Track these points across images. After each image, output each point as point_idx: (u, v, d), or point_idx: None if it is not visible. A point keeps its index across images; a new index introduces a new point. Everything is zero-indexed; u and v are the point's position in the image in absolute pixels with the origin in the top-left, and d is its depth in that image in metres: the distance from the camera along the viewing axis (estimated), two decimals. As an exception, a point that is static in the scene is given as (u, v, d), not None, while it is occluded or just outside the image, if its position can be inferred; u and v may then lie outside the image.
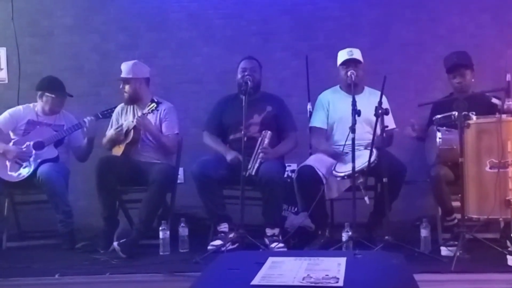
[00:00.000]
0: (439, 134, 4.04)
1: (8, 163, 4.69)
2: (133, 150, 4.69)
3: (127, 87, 4.76)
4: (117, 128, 4.69)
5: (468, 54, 4.46)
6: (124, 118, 4.84)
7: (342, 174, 4.07)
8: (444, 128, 4.04)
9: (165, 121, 4.77)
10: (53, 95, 4.88)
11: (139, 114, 4.62)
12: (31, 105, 4.98)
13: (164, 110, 4.77)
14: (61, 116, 4.98)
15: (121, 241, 4.20)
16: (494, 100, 4.00)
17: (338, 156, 4.28)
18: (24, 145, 4.74)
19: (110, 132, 4.78)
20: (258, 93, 4.64)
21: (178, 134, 4.84)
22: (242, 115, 4.22)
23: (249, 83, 4.35)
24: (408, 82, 5.43)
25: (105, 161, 4.51)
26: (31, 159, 4.69)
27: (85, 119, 4.79)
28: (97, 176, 4.44)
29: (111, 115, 4.91)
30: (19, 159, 4.69)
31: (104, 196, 4.49)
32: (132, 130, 4.61)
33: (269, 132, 4.39)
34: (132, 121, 4.61)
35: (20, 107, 5.00)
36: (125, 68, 4.78)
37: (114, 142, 4.75)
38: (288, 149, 4.62)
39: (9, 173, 4.68)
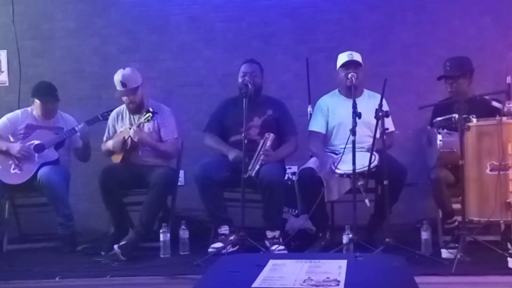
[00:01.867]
0: (439, 137, 4.04)
1: (9, 165, 4.69)
2: (132, 156, 4.68)
3: (133, 97, 4.67)
4: (115, 141, 4.67)
5: (465, 59, 4.42)
6: (121, 124, 4.82)
7: (342, 172, 4.07)
8: (445, 130, 4.04)
9: (163, 126, 4.75)
10: (39, 101, 4.84)
11: (136, 121, 4.62)
12: (28, 109, 4.98)
13: (161, 115, 4.73)
14: (59, 119, 4.97)
15: (121, 243, 4.19)
16: (495, 104, 3.98)
17: (328, 165, 4.23)
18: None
19: (108, 144, 4.75)
20: (259, 96, 4.63)
21: (177, 138, 4.83)
22: (243, 118, 4.21)
23: (249, 86, 4.34)
24: (409, 85, 5.43)
25: (107, 171, 4.52)
26: (32, 162, 4.68)
27: (77, 127, 4.78)
28: (101, 187, 4.45)
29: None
30: (23, 154, 4.67)
31: (112, 205, 4.52)
32: (129, 139, 4.58)
33: (272, 134, 4.38)
34: (130, 128, 4.59)
35: (18, 111, 5.00)
36: (128, 77, 4.63)
37: (113, 152, 4.75)
38: (288, 152, 4.62)
39: (10, 175, 4.68)
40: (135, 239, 4.31)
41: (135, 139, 4.53)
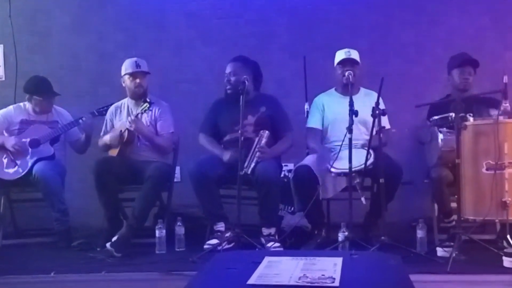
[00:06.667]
0: (441, 136, 4.04)
1: (4, 160, 4.69)
2: (129, 150, 4.69)
3: (143, 81, 4.75)
4: (112, 135, 4.69)
5: None
6: (118, 118, 4.84)
7: (338, 171, 4.07)
8: (446, 129, 4.04)
9: (160, 120, 4.78)
10: (41, 98, 4.86)
11: (133, 113, 4.62)
12: (21, 104, 4.98)
13: (159, 109, 4.78)
14: (54, 113, 4.97)
15: (112, 240, 4.17)
16: (493, 112, 3.94)
17: (326, 160, 4.24)
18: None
19: (105, 138, 4.77)
20: (252, 94, 4.60)
21: (173, 133, 4.84)
22: (235, 117, 4.25)
23: (246, 82, 4.32)
24: (407, 84, 5.42)
25: (102, 163, 4.51)
26: (27, 157, 4.68)
27: (81, 119, 4.79)
28: (96, 179, 4.43)
29: (107, 113, 4.91)
30: (17, 149, 4.66)
31: (105, 198, 4.49)
32: (126, 131, 4.60)
33: (267, 132, 4.39)
34: (126, 122, 4.61)
35: (11, 107, 4.99)
36: (142, 61, 4.78)
37: (109, 146, 4.75)
38: (284, 149, 4.61)
39: (5, 170, 4.67)
40: (127, 233, 4.28)
41: (132, 128, 4.53)
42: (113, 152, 4.72)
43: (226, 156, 4.45)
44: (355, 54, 4.49)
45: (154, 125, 4.78)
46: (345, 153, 3.98)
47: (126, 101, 4.89)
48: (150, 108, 4.58)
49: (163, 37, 5.80)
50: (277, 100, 4.75)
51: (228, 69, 4.63)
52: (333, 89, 4.69)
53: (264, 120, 4.58)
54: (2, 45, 5.85)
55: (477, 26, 5.45)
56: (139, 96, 4.73)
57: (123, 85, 4.81)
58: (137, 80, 4.73)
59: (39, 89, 4.86)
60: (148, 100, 4.54)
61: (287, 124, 4.68)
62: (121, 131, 4.62)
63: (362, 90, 4.60)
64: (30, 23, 5.87)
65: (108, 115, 4.90)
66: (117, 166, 4.55)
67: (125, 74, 4.78)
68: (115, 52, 5.70)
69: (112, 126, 4.84)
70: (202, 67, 5.73)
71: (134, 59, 4.79)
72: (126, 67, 4.77)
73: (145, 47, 5.74)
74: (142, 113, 4.59)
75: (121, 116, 4.83)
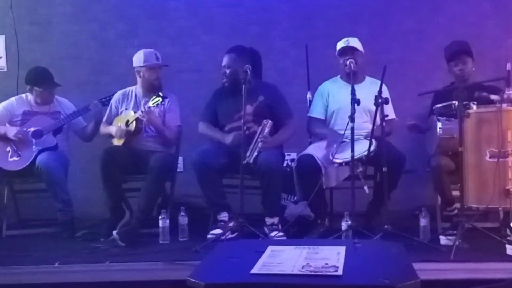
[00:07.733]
0: (439, 124, 4.03)
1: (8, 151, 4.70)
2: (135, 140, 4.69)
3: (159, 74, 4.76)
4: (118, 129, 4.67)
5: (468, 43, 4.46)
6: (125, 105, 4.83)
7: (340, 161, 4.07)
8: (444, 118, 4.03)
9: (169, 112, 4.78)
10: (41, 89, 4.85)
11: (143, 104, 4.60)
12: (23, 95, 4.98)
13: (168, 101, 4.74)
14: (56, 104, 4.96)
15: (120, 229, 4.20)
16: (493, 97, 3.94)
17: (334, 141, 4.23)
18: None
19: (110, 129, 4.76)
20: (251, 83, 4.57)
21: (180, 127, 4.85)
22: (233, 107, 4.29)
23: (248, 72, 4.31)
24: (408, 72, 5.41)
25: (109, 152, 4.51)
26: (31, 148, 4.68)
27: (91, 105, 4.82)
28: (102, 168, 4.42)
29: (109, 103, 4.90)
30: (20, 138, 4.67)
31: (110, 187, 4.49)
32: (135, 121, 4.59)
33: (270, 121, 4.36)
34: (135, 112, 4.60)
35: (13, 99, 4.99)
36: (160, 56, 4.77)
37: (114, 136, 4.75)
38: (286, 137, 4.59)
39: (9, 161, 4.68)
40: (134, 225, 4.31)
41: (144, 119, 4.52)
42: (119, 141, 4.71)
43: (229, 139, 4.44)
44: (354, 42, 4.48)
45: (163, 116, 4.77)
46: (347, 144, 3.98)
47: (134, 89, 4.86)
48: (163, 103, 4.56)
49: (164, 26, 5.77)
50: (276, 88, 4.72)
51: (224, 62, 4.62)
52: (338, 77, 4.68)
53: (262, 109, 4.53)
54: (3, 36, 5.82)
55: (478, 13, 5.43)
56: (155, 88, 4.70)
57: (138, 75, 4.78)
58: (157, 74, 4.73)
59: (40, 80, 4.86)
60: (161, 95, 4.51)
61: (288, 112, 4.65)
62: (127, 121, 4.61)
63: (368, 78, 4.59)
64: (31, 13, 5.84)
65: (113, 101, 4.88)
66: (123, 156, 4.55)
67: (143, 66, 4.74)
68: (116, 41, 5.70)
69: (117, 113, 4.83)
70: (203, 56, 5.71)
71: (152, 50, 4.76)
72: (146, 58, 4.72)
73: (146, 36, 5.73)
74: (153, 107, 4.56)
75: (128, 103, 4.82)
